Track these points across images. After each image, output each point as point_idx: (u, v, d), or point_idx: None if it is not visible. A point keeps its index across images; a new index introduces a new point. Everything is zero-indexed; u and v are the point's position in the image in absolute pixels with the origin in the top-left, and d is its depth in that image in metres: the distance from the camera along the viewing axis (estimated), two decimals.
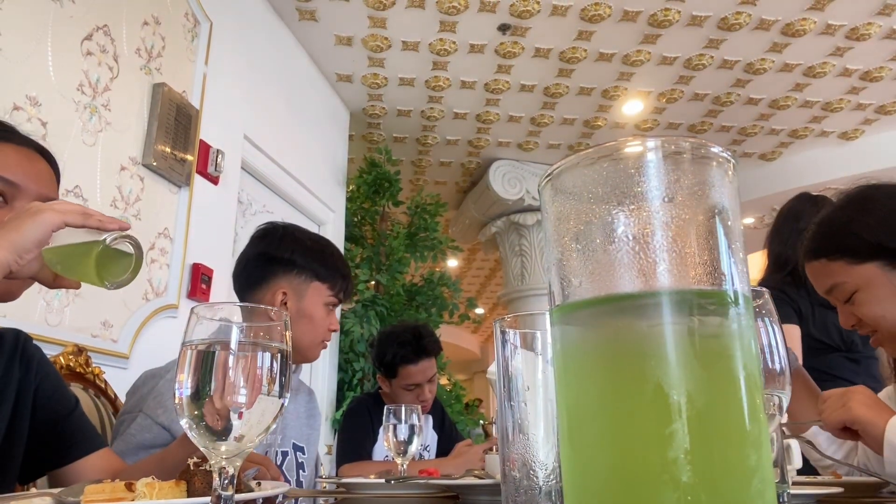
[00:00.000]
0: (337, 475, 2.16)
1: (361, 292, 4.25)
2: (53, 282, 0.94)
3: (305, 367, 3.96)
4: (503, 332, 0.61)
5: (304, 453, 1.67)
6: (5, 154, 1.01)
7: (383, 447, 2.34)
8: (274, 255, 1.55)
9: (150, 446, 1.26)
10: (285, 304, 1.53)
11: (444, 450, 2.44)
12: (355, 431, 2.37)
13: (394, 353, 2.43)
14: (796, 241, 2.06)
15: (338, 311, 1.69)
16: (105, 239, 0.87)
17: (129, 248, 0.90)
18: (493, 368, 0.69)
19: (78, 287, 0.97)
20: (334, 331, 1.62)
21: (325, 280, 1.58)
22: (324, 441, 3.63)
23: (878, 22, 3.70)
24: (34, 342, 1.14)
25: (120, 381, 1.70)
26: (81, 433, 1.13)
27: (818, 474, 1.47)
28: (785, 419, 1.32)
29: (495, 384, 0.63)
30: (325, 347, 1.64)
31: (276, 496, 0.91)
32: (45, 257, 0.87)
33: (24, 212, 0.87)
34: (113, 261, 0.89)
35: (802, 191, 2.36)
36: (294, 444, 1.65)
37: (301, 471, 1.65)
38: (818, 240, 1.29)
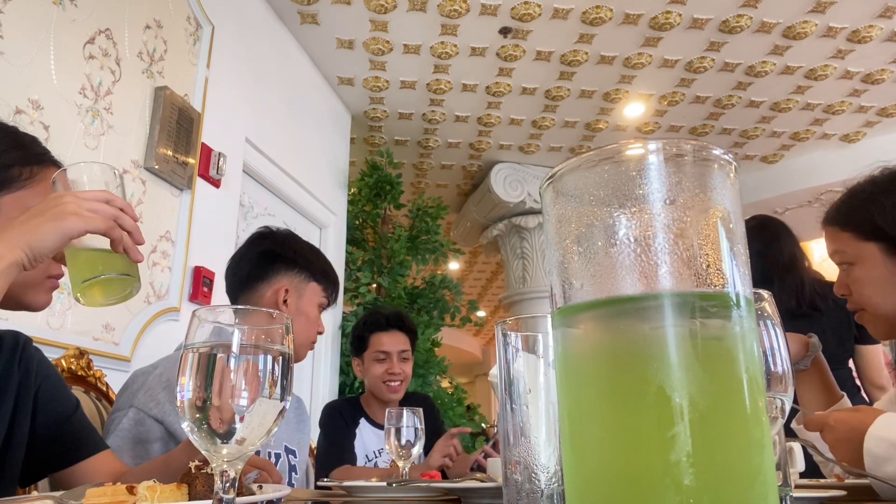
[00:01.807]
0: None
1: (363, 295, 4.25)
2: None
3: (307, 369, 3.95)
4: (505, 335, 0.61)
5: (296, 456, 1.70)
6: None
7: (360, 446, 2.32)
8: (279, 254, 1.62)
9: (144, 440, 1.27)
10: (286, 301, 1.59)
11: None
12: (333, 437, 2.33)
13: (364, 322, 2.49)
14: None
15: (324, 316, 1.77)
16: (118, 274, 0.84)
17: (128, 287, 0.87)
18: (494, 371, 0.69)
19: (59, 274, 0.96)
20: (321, 333, 1.70)
21: (320, 282, 1.66)
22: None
23: (880, 24, 3.70)
24: (35, 344, 1.14)
25: (121, 385, 1.70)
26: (83, 435, 1.13)
27: (823, 477, 1.47)
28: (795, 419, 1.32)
29: (497, 387, 0.63)
30: (312, 349, 1.70)
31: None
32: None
33: (47, 207, 0.83)
34: (106, 283, 0.86)
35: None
36: (286, 447, 1.67)
37: (293, 473, 1.67)
38: (838, 208, 1.36)
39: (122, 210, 0.87)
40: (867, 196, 1.32)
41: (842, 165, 5.07)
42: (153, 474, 0.96)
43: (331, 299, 1.71)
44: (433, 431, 2.51)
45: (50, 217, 0.81)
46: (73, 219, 0.81)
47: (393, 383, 2.37)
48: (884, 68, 4.13)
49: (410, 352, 2.47)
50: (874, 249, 1.27)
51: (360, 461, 2.29)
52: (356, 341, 2.50)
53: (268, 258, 1.61)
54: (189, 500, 0.75)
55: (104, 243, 0.86)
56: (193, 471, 0.78)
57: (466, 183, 5.77)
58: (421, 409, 1.59)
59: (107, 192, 0.88)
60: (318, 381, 3.89)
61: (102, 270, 0.85)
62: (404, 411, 1.54)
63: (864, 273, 1.28)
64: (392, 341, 2.41)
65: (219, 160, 2.82)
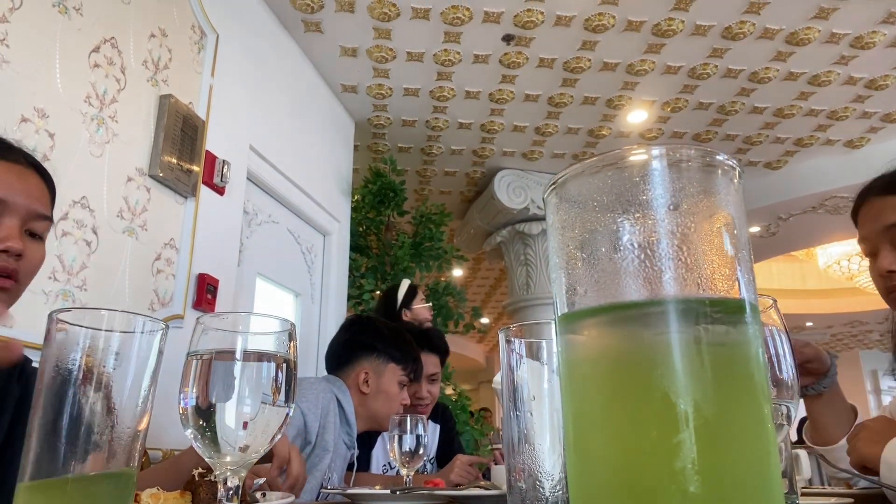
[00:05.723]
0: None
1: (367, 302, 4.24)
2: None
3: (312, 372, 3.95)
4: (509, 342, 0.61)
5: None
6: None
7: (381, 454, 2.31)
8: (359, 341, 1.94)
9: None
10: (367, 382, 1.89)
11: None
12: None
13: None
14: None
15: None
16: None
17: None
18: (498, 378, 0.68)
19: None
20: (405, 405, 1.94)
21: (399, 362, 1.92)
22: None
23: (883, 30, 3.70)
24: (34, 364, 1.13)
25: None
26: None
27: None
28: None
29: (501, 394, 0.63)
30: None
31: None
32: None
33: None
34: None
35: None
36: None
37: None
38: None
39: None
40: None
41: (846, 171, 5.06)
42: (157, 481, 0.96)
43: (412, 376, 1.95)
44: (448, 439, 2.51)
45: None
46: None
47: (420, 406, 2.34)
48: (887, 74, 4.12)
49: (439, 372, 2.42)
50: None
51: (379, 469, 2.28)
52: None
53: (351, 345, 1.95)
54: None
55: None
56: (197, 478, 0.78)
57: (470, 190, 5.78)
58: (425, 417, 1.59)
59: None
60: None
61: None
62: (408, 418, 1.53)
63: None
64: (423, 363, 2.34)
65: (223, 168, 2.83)
